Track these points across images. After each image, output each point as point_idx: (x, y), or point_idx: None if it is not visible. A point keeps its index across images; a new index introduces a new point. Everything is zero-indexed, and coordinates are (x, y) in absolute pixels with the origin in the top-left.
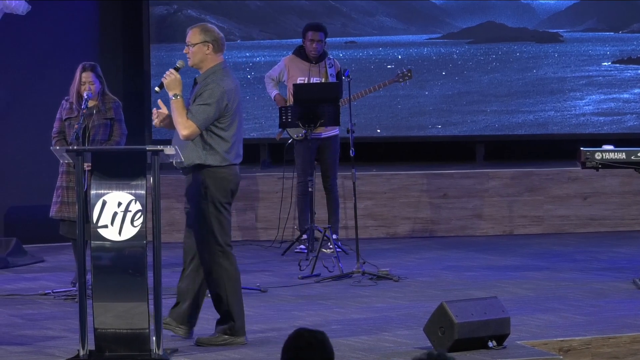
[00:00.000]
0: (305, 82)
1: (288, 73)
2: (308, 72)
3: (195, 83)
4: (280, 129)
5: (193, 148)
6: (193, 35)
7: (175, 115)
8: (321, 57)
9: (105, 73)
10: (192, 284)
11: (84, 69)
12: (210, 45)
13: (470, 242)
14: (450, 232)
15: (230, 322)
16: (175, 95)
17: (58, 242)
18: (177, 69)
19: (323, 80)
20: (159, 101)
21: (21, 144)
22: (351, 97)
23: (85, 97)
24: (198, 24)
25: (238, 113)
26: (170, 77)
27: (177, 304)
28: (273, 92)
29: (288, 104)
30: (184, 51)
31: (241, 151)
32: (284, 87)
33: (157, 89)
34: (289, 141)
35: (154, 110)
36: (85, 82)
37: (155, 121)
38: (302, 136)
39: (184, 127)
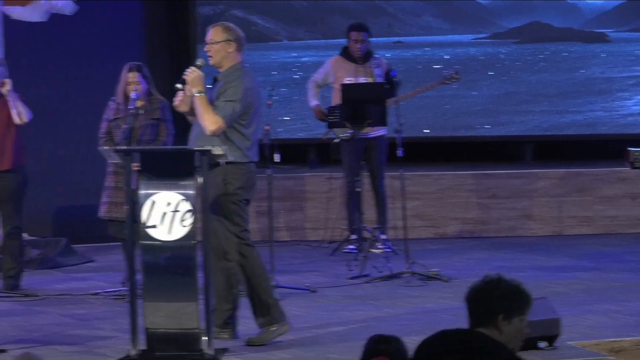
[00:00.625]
0: (353, 82)
1: (335, 74)
2: (355, 72)
3: (215, 81)
4: (327, 130)
5: (216, 144)
6: (215, 34)
7: (201, 111)
8: (366, 56)
9: (152, 72)
10: (225, 284)
11: (130, 69)
12: (233, 44)
13: (519, 242)
14: (499, 233)
15: (268, 312)
16: (199, 92)
17: (107, 242)
18: (198, 67)
19: (370, 81)
20: (179, 85)
21: (69, 144)
22: (398, 98)
23: (133, 97)
24: (219, 23)
25: (258, 113)
26: (193, 74)
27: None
28: (313, 101)
29: (335, 105)
30: (205, 49)
31: (258, 151)
32: (330, 90)
33: (178, 85)
34: (334, 140)
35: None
36: (132, 82)
37: (176, 102)
38: (348, 136)
39: (211, 122)
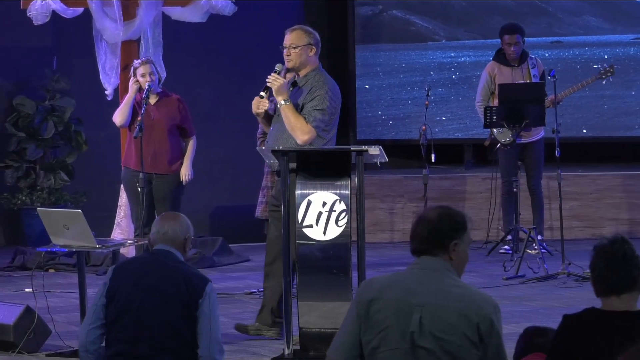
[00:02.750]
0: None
1: (494, 81)
2: (512, 76)
3: (294, 85)
4: (488, 137)
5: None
6: (297, 37)
7: (292, 120)
8: (522, 58)
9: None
10: (279, 286)
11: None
12: (314, 48)
13: None
14: None
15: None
16: (285, 101)
17: (263, 242)
18: (277, 73)
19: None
20: (263, 94)
21: (227, 144)
22: (556, 97)
23: None
24: (297, 26)
25: (338, 117)
26: (278, 82)
27: (263, 308)
28: None
29: (493, 105)
30: (286, 54)
31: None
32: None
33: (263, 94)
34: (497, 146)
35: (256, 100)
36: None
37: (254, 110)
38: (509, 140)
39: (304, 132)
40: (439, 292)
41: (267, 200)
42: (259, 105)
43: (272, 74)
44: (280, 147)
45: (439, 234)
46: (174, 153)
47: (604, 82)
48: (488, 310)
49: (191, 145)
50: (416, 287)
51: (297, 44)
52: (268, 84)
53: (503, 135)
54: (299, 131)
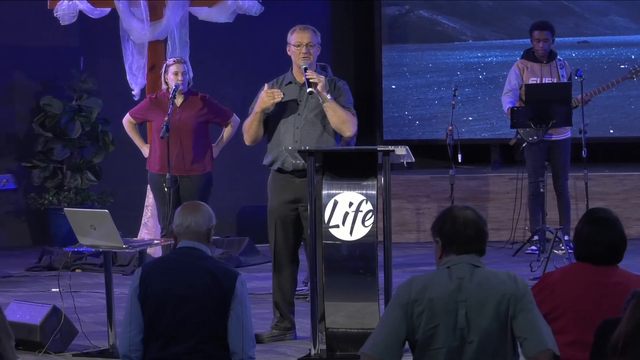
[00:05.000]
0: (538, 82)
1: (522, 77)
2: (540, 72)
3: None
4: (514, 135)
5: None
6: (314, 36)
7: (342, 114)
8: (551, 56)
9: (336, 73)
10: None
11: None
12: (320, 47)
13: None
14: None
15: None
16: (329, 97)
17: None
18: (306, 70)
19: (555, 81)
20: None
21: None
22: (583, 97)
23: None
24: (307, 26)
25: None
26: (321, 80)
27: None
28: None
29: (519, 106)
30: (303, 51)
31: None
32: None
33: (310, 90)
34: (524, 145)
35: (270, 91)
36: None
37: (270, 100)
38: (536, 139)
39: (354, 124)
40: (478, 283)
41: None
42: (276, 96)
43: (310, 71)
44: (307, 147)
45: (484, 239)
46: (200, 153)
47: (635, 81)
48: (521, 282)
49: (228, 130)
50: (457, 283)
51: (314, 42)
52: (312, 80)
53: (529, 134)
54: (350, 124)
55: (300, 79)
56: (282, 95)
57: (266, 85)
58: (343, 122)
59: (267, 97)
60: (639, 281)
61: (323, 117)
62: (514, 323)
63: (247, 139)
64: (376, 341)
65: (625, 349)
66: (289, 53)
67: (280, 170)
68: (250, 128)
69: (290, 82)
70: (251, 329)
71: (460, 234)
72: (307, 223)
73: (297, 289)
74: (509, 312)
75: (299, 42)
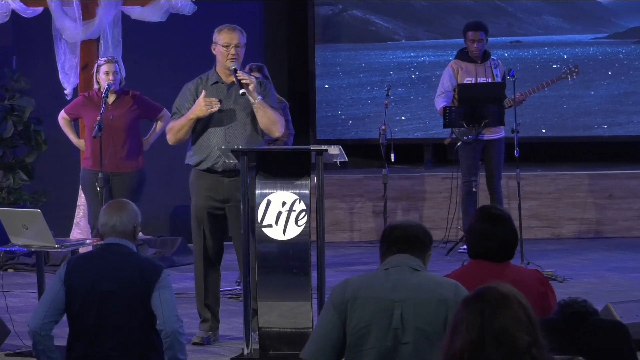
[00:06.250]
0: (472, 82)
1: (457, 77)
2: (475, 72)
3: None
4: (449, 135)
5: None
6: (241, 36)
7: (272, 114)
8: (485, 56)
9: (270, 73)
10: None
11: (250, 70)
12: (245, 47)
13: (637, 243)
14: (616, 233)
15: None
16: (259, 98)
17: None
18: (236, 72)
19: (490, 81)
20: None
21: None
22: (517, 98)
23: None
24: (235, 26)
25: None
26: (252, 81)
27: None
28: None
29: (452, 105)
30: (232, 52)
31: None
32: None
33: (243, 91)
34: (458, 144)
35: (208, 100)
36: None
37: (209, 109)
38: (471, 139)
39: (282, 124)
40: (417, 285)
41: None
42: (214, 105)
43: (240, 72)
44: (240, 147)
45: (422, 240)
46: (132, 151)
47: (570, 82)
48: (463, 292)
49: (159, 125)
50: (394, 283)
51: (241, 43)
52: (244, 82)
53: (464, 134)
54: (279, 124)
55: (227, 78)
56: (219, 106)
57: (203, 92)
58: (273, 122)
59: (206, 106)
60: (531, 276)
61: (253, 117)
62: None
63: (173, 140)
64: (313, 346)
65: None
66: (214, 51)
67: (208, 170)
68: (180, 131)
69: (216, 82)
70: (175, 308)
71: (389, 235)
72: (235, 222)
73: (229, 288)
74: (447, 318)
75: (228, 42)
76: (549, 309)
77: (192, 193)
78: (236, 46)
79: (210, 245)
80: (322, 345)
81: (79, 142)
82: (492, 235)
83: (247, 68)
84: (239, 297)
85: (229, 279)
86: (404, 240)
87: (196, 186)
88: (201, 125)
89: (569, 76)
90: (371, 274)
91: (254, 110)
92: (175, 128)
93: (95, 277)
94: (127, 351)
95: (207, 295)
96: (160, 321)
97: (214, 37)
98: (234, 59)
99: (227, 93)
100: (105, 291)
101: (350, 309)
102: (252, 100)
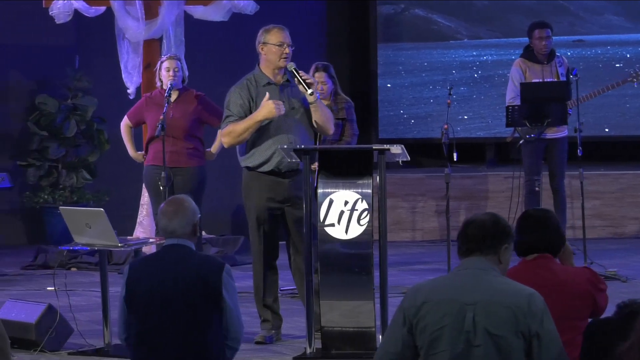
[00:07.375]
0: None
1: (525, 76)
2: (541, 73)
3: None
4: (511, 133)
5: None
6: (289, 36)
7: (327, 112)
8: (550, 55)
9: None
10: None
11: (316, 70)
12: None
13: None
14: None
15: None
16: (317, 96)
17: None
18: (297, 71)
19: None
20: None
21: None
22: (581, 100)
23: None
24: (280, 25)
25: None
26: (313, 80)
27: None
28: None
29: (515, 104)
30: (287, 51)
31: None
32: None
33: (311, 91)
34: (520, 142)
35: (278, 102)
36: (319, 82)
37: (279, 112)
38: (534, 137)
39: (334, 122)
40: (489, 289)
41: None
42: (282, 109)
43: (302, 72)
44: (303, 146)
45: (493, 236)
46: (194, 149)
47: (636, 85)
48: (538, 302)
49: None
50: (466, 287)
51: (291, 43)
52: (308, 81)
53: (527, 132)
54: (332, 123)
55: (276, 79)
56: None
57: (267, 94)
58: (328, 119)
59: (276, 110)
60: (580, 274)
61: (306, 117)
62: (534, 341)
63: (232, 142)
64: (384, 350)
65: None
66: (262, 51)
67: (270, 172)
68: (244, 134)
69: (268, 83)
70: (240, 315)
71: (465, 234)
72: (296, 222)
73: (291, 287)
74: (519, 325)
75: (282, 41)
76: (599, 309)
77: (247, 195)
78: (289, 45)
79: (270, 246)
80: (392, 349)
81: (136, 155)
82: (538, 234)
83: (312, 67)
84: (294, 296)
85: (290, 279)
86: (474, 239)
87: (255, 188)
88: (260, 128)
89: (635, 79)
90: (442, 277)
91: (312, 108)
92: (237, 131)
93: (156, 281)
94: (187, 350)
95: (266, 295)
96: (229, 328)
97: (260, 38)
98: (287, 58)
99: (281, 94)
100: (166, 294)
101: (422, 312)
102: (311, 99)
